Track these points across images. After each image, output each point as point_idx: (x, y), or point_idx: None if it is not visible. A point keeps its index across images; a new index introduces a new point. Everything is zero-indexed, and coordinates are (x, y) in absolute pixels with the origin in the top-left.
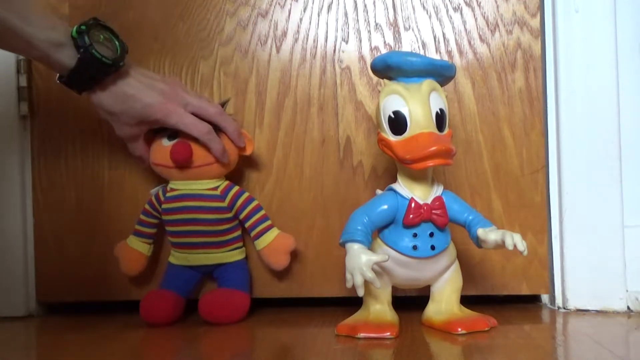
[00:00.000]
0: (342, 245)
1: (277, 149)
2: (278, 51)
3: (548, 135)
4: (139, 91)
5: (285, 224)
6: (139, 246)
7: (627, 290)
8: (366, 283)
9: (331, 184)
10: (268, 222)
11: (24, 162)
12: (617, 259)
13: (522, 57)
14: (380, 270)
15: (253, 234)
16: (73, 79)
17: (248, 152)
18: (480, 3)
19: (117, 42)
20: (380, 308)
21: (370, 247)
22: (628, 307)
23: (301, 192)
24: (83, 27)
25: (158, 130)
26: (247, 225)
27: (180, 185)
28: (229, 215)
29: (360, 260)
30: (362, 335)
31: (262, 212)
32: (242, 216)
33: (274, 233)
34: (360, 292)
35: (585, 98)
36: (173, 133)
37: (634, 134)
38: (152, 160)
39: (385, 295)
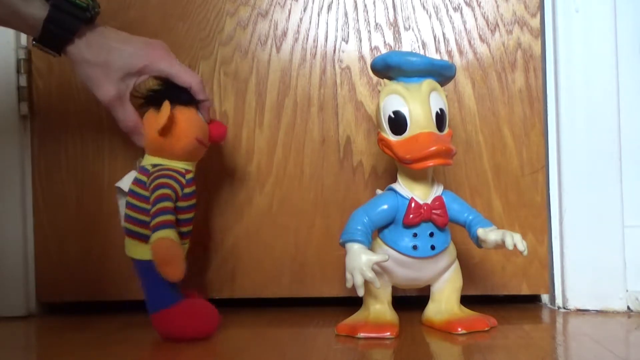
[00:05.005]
0: (342, 245)
1: (277, 149)
2: (278, 51)
3: (548, 135)
4: (123, 41)
5: (285, 223)
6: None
7: (627, 290)
8: (366, 283)
9: (331, 184)
10: None
11: (24, 162)
12: (617, 259)
13: (522, 57)
14: (380, 270)
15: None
16: (48, 31)
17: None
18: (480, 3)
19: None
20: (380, 308)
21: (370, 247)
22: (628, 307)
23: (301, 192)
24: None
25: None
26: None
27: (193, 167)
28: None
29: (360, 260)
30: (362, 335)
31: None
32: None
33: None
34: (360, 292)
35: (585, 98)
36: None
37: (634, 134)
38: (194, 135)
39: (385, 295)
